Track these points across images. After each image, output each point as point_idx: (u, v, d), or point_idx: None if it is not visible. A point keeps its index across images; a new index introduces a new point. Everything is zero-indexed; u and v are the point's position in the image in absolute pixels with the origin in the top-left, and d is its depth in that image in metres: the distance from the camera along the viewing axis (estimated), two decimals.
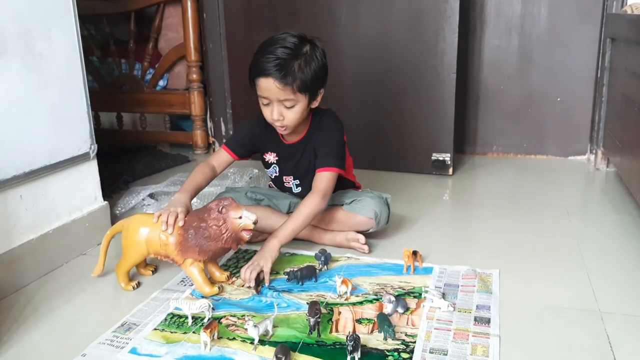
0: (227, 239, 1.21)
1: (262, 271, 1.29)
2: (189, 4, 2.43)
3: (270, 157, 1.54)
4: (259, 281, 1.28)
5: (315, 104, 1.42)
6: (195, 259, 1.24)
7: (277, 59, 1.31)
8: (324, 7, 2.24)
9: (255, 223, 1.21)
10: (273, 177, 1.58)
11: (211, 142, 2.70)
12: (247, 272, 1.27)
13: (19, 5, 1.31)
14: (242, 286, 1.29)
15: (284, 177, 1.55)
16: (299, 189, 1.56)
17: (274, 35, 1.37)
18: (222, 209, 1.20)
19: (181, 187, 1.41)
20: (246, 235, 1.23)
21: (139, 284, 1.32)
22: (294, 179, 1.54)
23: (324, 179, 1.43)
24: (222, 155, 1.53)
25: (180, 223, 1.24)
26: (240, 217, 1.20)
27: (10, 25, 1.29)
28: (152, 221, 1.25)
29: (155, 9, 2.59)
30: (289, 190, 1.58)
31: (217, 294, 1.25)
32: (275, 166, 1.55)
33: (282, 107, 1.35)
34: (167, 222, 1.23)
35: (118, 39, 2.72)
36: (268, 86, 1.32)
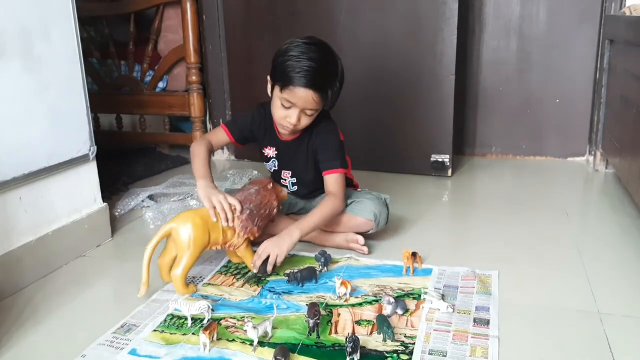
0: (276, 212, 1.40)
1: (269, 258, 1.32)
2: (188, 5, 2.43)
3: (269, 151, 1.54)
4: (265, 266, 1.32)
5: None
6: (253, 236, 1.33)
7: (322, 73, 1.33)
8: (324, 9, 2.24)
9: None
10: (272, 170, 1.59)
11: None
12: (259, 261, 1.31)
13: (18, 7, 1.31)
14: (241, 285, 1.29)
15: (283, 172, 1.56)
16: (295, 187, 1.57)
17: (307, 42, 1.35)
18: (269, 185, 1.39)
19: (199, 172, 1.40)
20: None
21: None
22: (291, 176, 1.55)
23: (334, 181, 1.46)
24: (219, 135, 1.53)
25: (239, 207, 1.30)
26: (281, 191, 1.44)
27: (9, 27, 1.29)
28: (207, 214, 1.28)
29: (155, 10, 2.59)
30: (285, 187, 1.59)
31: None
32: (274, 160, 1.55)
33: (302, 114, 1.37)
34: (226, 218, 1.28)
35: (117, 40, 2.72)
36: (304, 96, 1.32)
